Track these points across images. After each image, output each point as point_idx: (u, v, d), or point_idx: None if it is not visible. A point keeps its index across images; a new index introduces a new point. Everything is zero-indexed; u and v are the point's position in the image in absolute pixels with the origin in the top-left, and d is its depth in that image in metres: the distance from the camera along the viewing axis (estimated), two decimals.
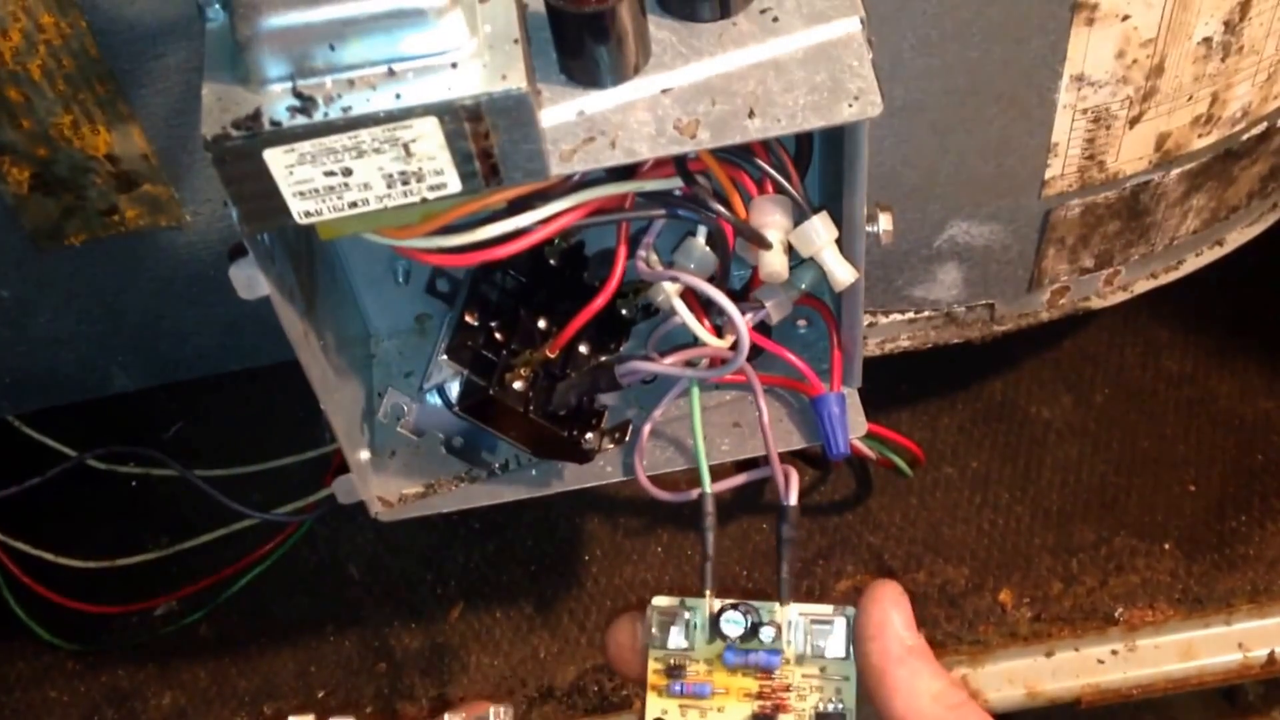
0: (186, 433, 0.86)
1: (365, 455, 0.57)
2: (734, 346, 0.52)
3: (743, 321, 0.51)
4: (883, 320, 0.70)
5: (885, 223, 0.53)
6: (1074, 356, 0.86)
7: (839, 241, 0.51)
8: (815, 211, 0.50)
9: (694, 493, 0.54)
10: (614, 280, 0.52)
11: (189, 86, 0.61)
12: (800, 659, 0.48)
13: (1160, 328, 0.87)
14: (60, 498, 0.77)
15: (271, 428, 0.78)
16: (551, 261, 0.57)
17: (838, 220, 0.51)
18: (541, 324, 0.56)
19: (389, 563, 0.82)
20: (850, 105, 0.44)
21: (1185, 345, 0.86)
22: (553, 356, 0.55)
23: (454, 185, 0.41)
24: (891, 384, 0.82)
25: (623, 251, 0.52)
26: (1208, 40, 0.59)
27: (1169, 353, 0.86)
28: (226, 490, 0.71)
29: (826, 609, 0.48)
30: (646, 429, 0.58)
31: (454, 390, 0.56)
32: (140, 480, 0.81)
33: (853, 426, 0.59)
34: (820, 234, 0.50)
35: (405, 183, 0.41)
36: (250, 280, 0.45)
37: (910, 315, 0.70)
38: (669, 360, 0.55)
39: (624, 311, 0.57)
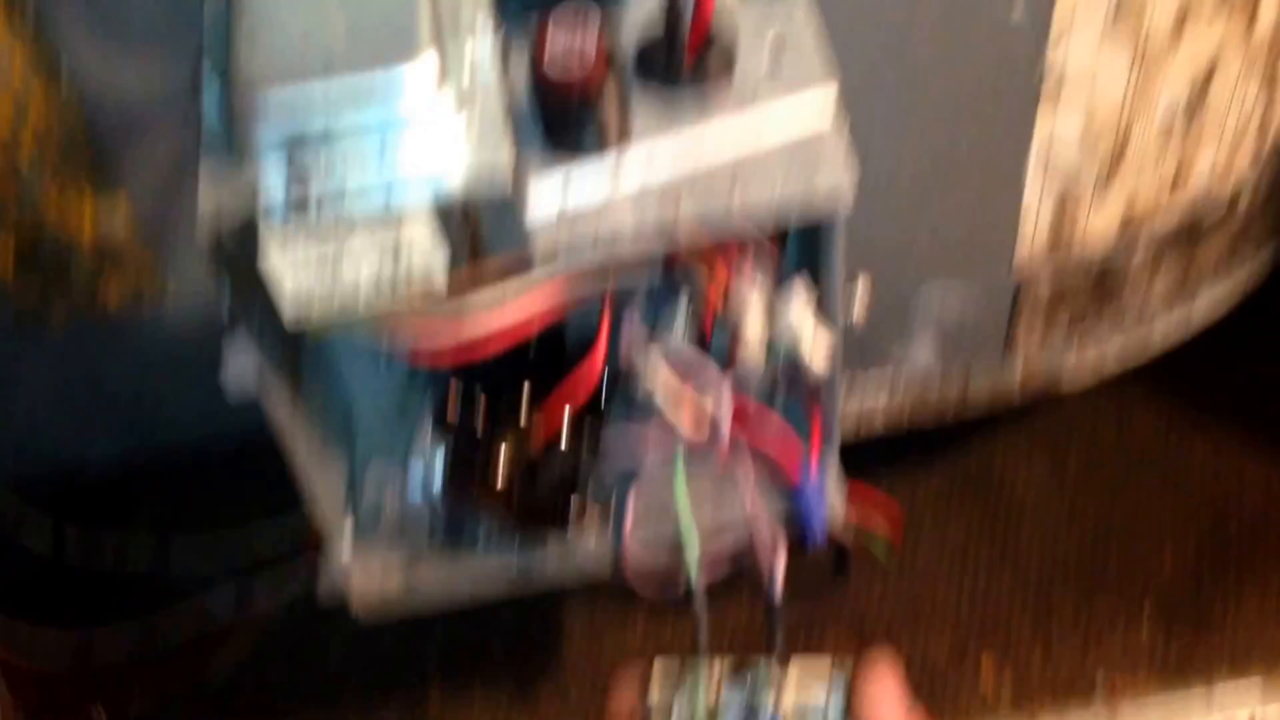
0: (164, 506, 0.86)
1: (347, 548, 0.58)
2: (714, 433, 0.54)
3: (724, 397, 0.53)
4: (860, 376, 0.72)
5: (862, 293, 0.55)
6: (1048, 424, 0.88)
7: (817, 314, 0.53)
8: (793, 286, 0.52)
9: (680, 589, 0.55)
10: (598, 355, 0.53)
11: (174, 168, 0.63)
12: None
13: (1132, 395, 0.89)
14: (36, 570, 0.77)
15: (252, 501, 0.79)
16: (535, 339, 0.58)
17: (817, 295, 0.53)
18: (525, 399, 0.57)
19: (368, 642, 0.82)
20: (826, 179, 0.46)
21: (1157, 413, 0.88)
22: (535, 436, 0.56)
23: (440, 279, 0.43)
24: (868, 455, 0.84)
25: (605, 326, 0.53)
26: (1172, 110, 0.61)
27: (1142, 420, 0.88)
28: (205, 560, 0.71)
29: (823, 664, 0.49)
30: (631, 506, 0.59)
31: (438, 466, 0.57)
32: (117, 554, 0.82)
33: (830, 513, 0.60)
34: (797, 309, 0.52)
35: (395, 264, 0.42)
36: (240, 372, 0.46)
37: (887, 386, 0.72)
38: (651, 434, 0.56)
39: (608, 384, 0.59)
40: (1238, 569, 0.81)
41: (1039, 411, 0.88)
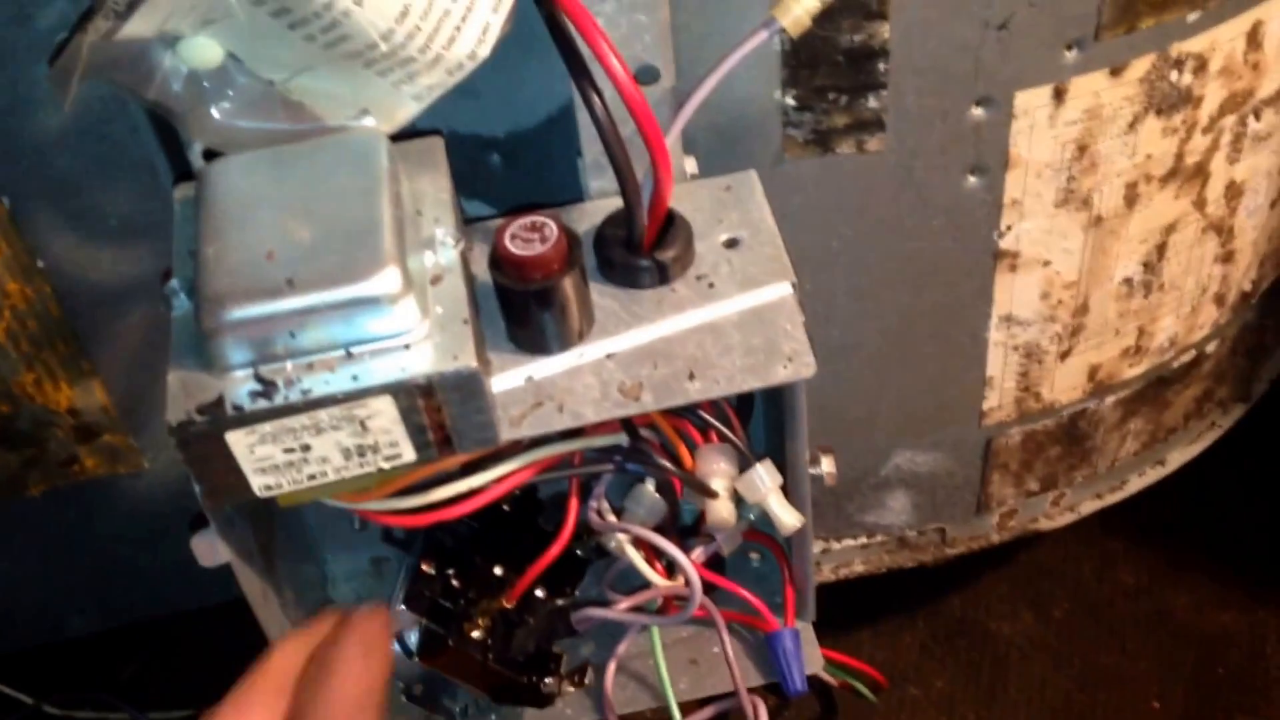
0: (143, 674, 0.86)
1: None
2: (687, 592, 0.55)
3: (694, 572, 0.54)
4: (836, 546, 0.73)
5: (828, 465, 0.56)
6: (1031, 571, 0.88)
7: (784, 486, 0.54)
8: (759, 459, 0.53)
9: None
10: (567, 530, 0.55)
11: (147, 342, 0.64)
12: None
13: (1114, 540, 0.90)
14: None
15: (228, 667, 0.79)
16: (506, 508, 0.59)
17: (782, 465, 0.54)
18: (498, 570, 0.58)
19: None
20: (785, 367, 0.48)
21: (1140, 558, 0.89)
22: (510, 606, 0.57)
23: (409, 455, 0.44)
24: (852, 603, 0.84)
25: (574, 502, 0.54)
26: (1129, 280, 0.63)
27: (1124, 565, 0.88)
28: None
29: None
30: (610, 677, 0.60)
31: (412, 638, 0.58)
32: None
33: (808, 661, 0.61)
34: (764, 482, 0.53)
35: (362, 455, 0.43)
36: (211, 549, 0.47)
37: (863, 541, 0.73)
38: (623, 605, 0.57)
39: (579, 552, 0.60)
40: (1226, 716, 0.81)
41: (1020, 559, 0.89)
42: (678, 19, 0.51)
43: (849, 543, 0.73)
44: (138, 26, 0.43)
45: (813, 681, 0.72)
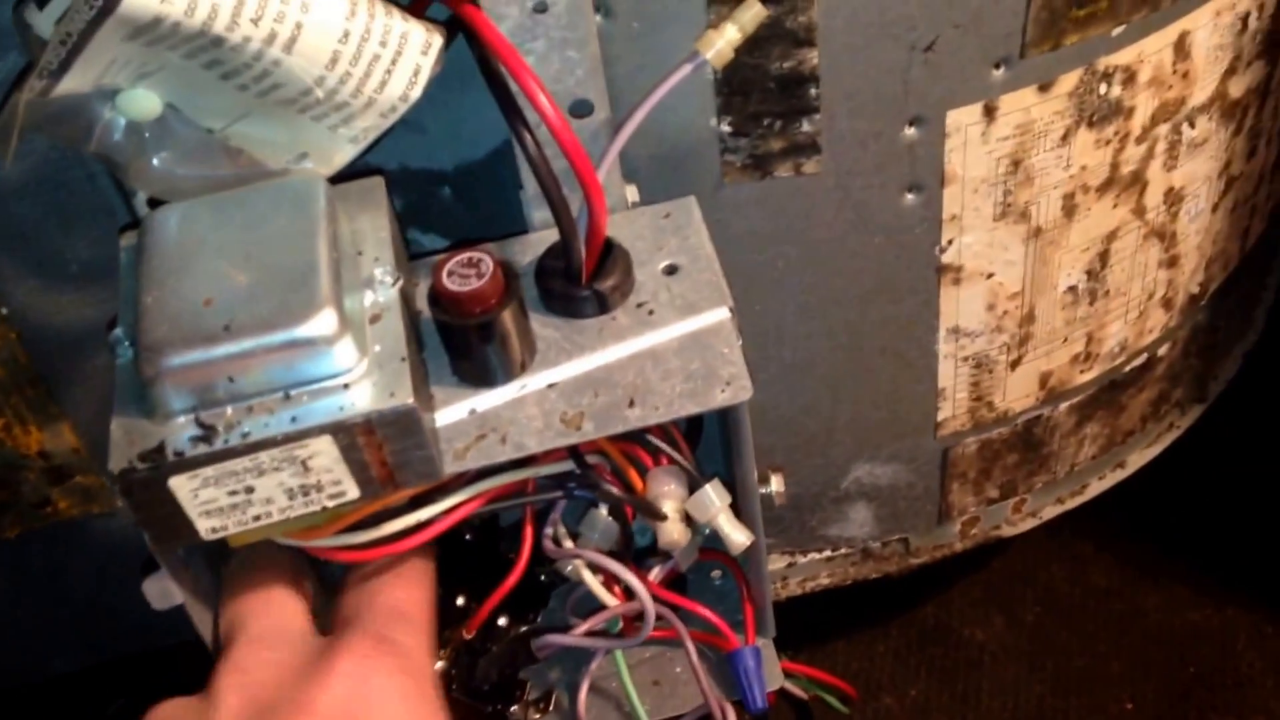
0: (127, 711, 0.87)
1: None
2: (645, 613, 0.56)
3: (646, 592, 0.55)
4: (801, 560, 0.74)
5: (777, 484, 0.57)
6: (1002, 575, 0.90)
7: (735, 506, 0.55)
8: (708, 479, 0.54)
9: None
10: (523, 559, 0.56)
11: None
12: None
13: (1084, 542, 0.91)
14: None
15: None
16: (468, 536, 0.60)
17: (732, 485, 0.55)
18: (460, 600, 0.59)
19: None
20: (722, 391, 0.49)
21: (1111, 559, 0.90)
22: (470, 636, 0.58)
23: (353, 493, 0.45)
24: (825, 615, 0.85)
25: (529, 530, 0.55)
26: (1073, 289, 0.64)
27: (1095, 567, 0.90)
28: None
29: None
30: (582, 702, 0.61)
31: None
32: None
33: (769, 679, 0.62)
34: (713, 502, 0.54)
35: (306, 494, 0.45)
36: (163, 592, 0.48)
37: (828, 554, 0.74)
38: (583, 629, 0.58)
39: (541, 578, 0.61)
40: (1199, 715, 0.82)
41: (992, 564, 0.90)
42: (610, 52, 0.52)
43: (814, 556, 0.74)
44: (74, 82, 0.44)
45: (784, 696, 0.74)
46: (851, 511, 0.72)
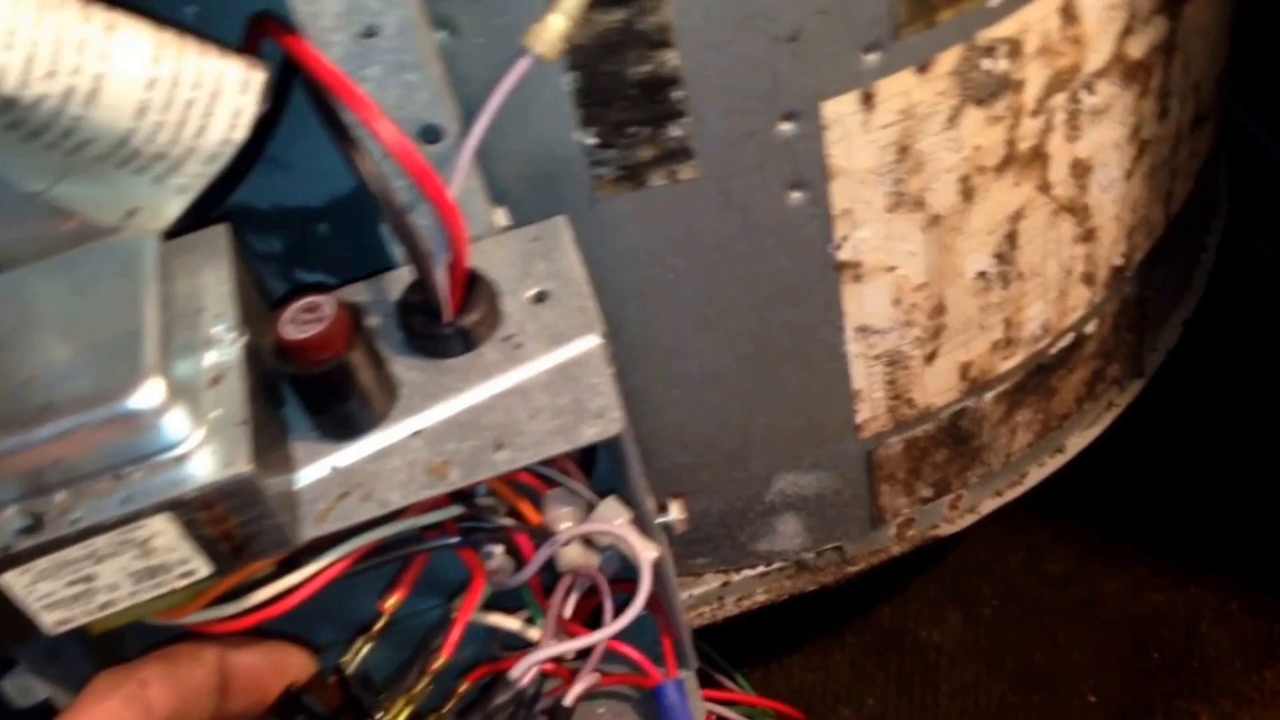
0: None
1: None
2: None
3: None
4: (735, 578, 0.73)
5: (676, 511, 0.56)
6: (958, 569, 0.89)
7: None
8: (604, 496, 0.53)
9: None
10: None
11: None
12: None
13: (1040, 528, 0.90)
14: None
15: None
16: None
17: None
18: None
19: None
20: (593, 426, 0.47)
21: (1067, 544, 0.89)
22: None
23: (204, 570, 0.43)
24: (776, 627, 0.84)
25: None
26: (983, 274, 0.63)
27: (1052, 554, 0.89)
28: None
29: None
30: None
31: None
32: None
33: (695, 712, 0.60)
34: (611, 518, 0.52)
35: (153, 576, 0.43)
36: (24, 690, 0.47)
37: (761, 569, 0.72)
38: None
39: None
40: (1165, 703, 0.81)
41: (947, 559, 0.89)
42: (460, 71, 0.50)
43: (748, 573, 0.72)
44: None
45: None
46: (780, 524, 0.70)
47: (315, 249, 0.59)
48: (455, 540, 0.52)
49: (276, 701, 0.50)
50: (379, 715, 0.54)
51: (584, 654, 0.57)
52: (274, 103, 0.51)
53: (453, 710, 0.57)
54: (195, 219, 0.50)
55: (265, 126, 0.52)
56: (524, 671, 0.55)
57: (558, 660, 0.58)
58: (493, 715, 0.56)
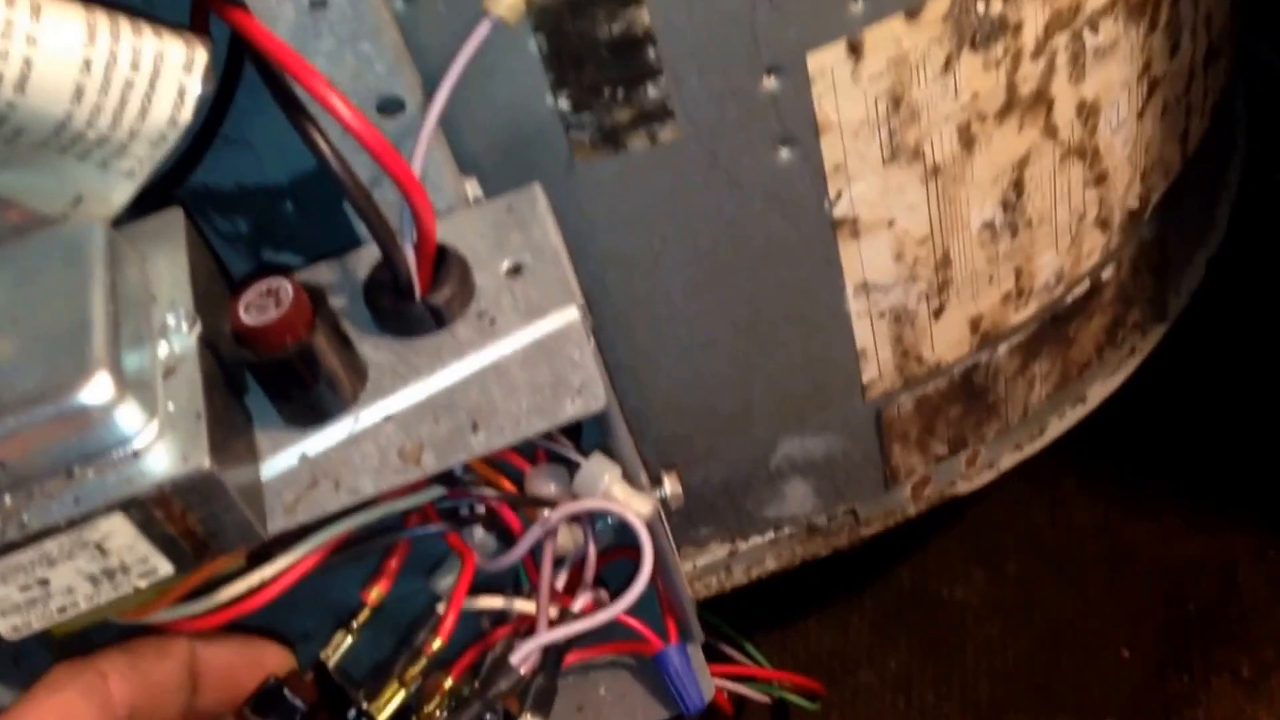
0: None
1: None
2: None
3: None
4: (743, 546, 0.71)
5: (671, 485, 0.54)
6: (980, 525, 0.86)
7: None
8: (588, 455, 0.51)
9: None
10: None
11: None
12: None
13: (1066, 477, 0.87)
14: None
15: None
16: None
17: None
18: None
19: None
20: (573, 402, 0.45)
21: (1094, 494, 0.86)
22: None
23: (165, 569, 0.42)
24: (792, 591, 0.82)
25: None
26: (989, 224, 0.60)
27: (1078, 505, 0.86)
28: None
29: None
30: None
31: None
32: None
33: (702, 677, 0.59)
34: (599, 475, 0.50)
35: (111, 578, 0.41)
36: None
37: (770, 536, 0.70)
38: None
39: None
40: (1202, 656, 0.78)
41: (967, 514, 0.86)
42: (419, 41, 0.48)
43: (756, 540, 0.70)
44: None
45: (745, 703, 0.70)
46: (788, 489, 0.68)
47: (282, 228, 0.57)
48: (440, 527, 0.50)
49: (253, 695, 0.48)
50: (366, 705, 0.53)
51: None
52: (227, 80, 0.49)
53: (445, 703, 0.55)
54: (155, 203, 0.49)
55: (220, 105, 0.50)
56: (524, 658, 0.54)
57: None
58: (494, 704, 0.54)
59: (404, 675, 0.53)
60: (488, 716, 0.53)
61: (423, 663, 0.54)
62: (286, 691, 0.48)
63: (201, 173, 0.51)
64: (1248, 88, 0.81)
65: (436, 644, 0.53)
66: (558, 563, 0.54)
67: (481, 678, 0.54)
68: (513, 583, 0.55)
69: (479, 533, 0.53)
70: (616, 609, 0.52)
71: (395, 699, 0.53)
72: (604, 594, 0.55)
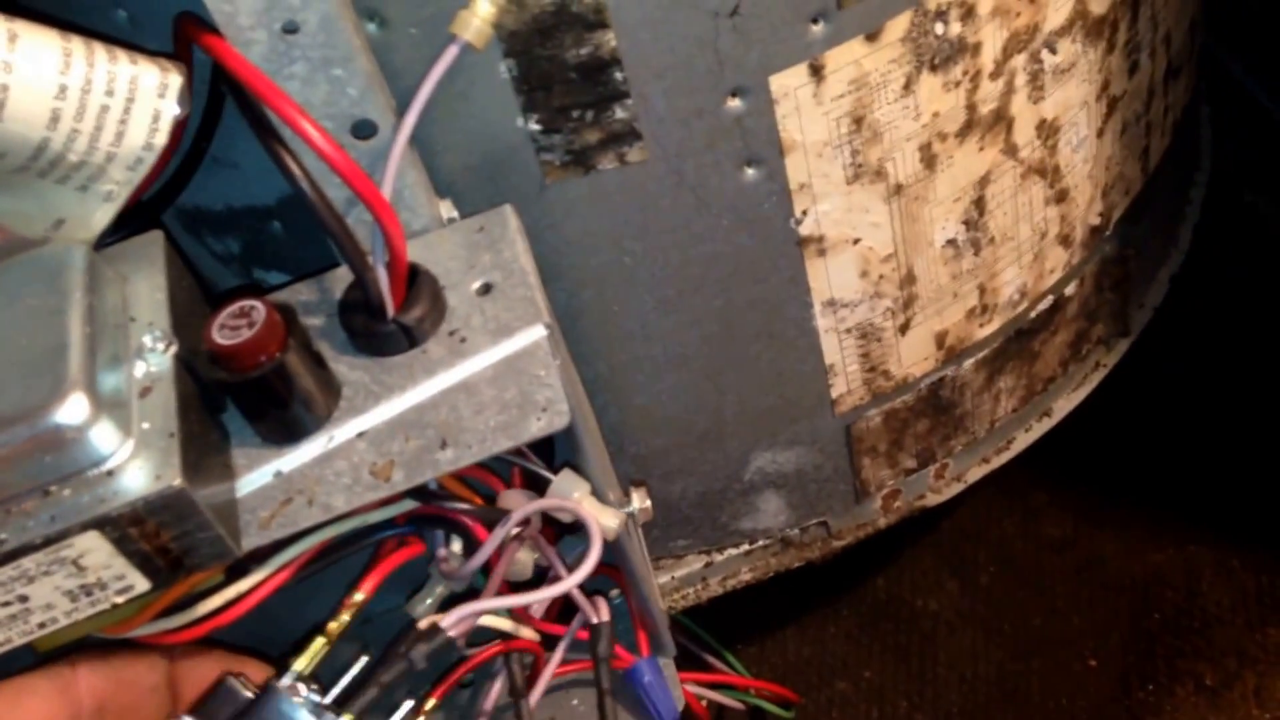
0: None
1: None
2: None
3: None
4: (719, 558, 0.71)
5: (639, 500, 0.54)
6: (953, 536, 0.87)
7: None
8: (557, 471, 0.51)
9: None
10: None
11: None
12: None
13: (1036, 491, 0.88)
14: None
15: None
16: None
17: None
18: None
19: None
20: (539, 419, 0.46)
21: (1064, 506, 0.87)
22: None
23: (141, 585, 0.42)
24: (769, 601, 0.83)
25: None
26: (952, 242, 0.61)
27: (1048, 517, 0.87)
28: None
29: None
30: None
31: None
32: None
33: (674, 688, 0.59)
34: (566, 493, 0.50)
35: (89, 594, 0.42)
36: None
37: (745, 548, 0.71)
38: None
39: None
40: (1167, 665, 0.79)
41: (941, 525, 0.87)
42: (392, 65, 0.49)
43: (731, 552, 0.71)
44: None
45: (720, 710, 0.71)
46: (761, 502, 0.69)
47: (270, 248, 0.58)
48: (405, 529, 0.51)
49: (208, 690, 0.48)
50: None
51: (552, 645, 0.55)
52: (214, 102, 0.50)
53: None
54: (145, 224, 0.50)
55: (207, 127, 0.51)
56: (457, 622, 0.53)
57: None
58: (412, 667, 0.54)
59: (327, 627, 0.52)
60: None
61: (345, 618, 0.53)
62: (231, 680, 0.48)
63: (191, 193, 0.52)
64: (1219, 105, 0.82)
65: (359, 596, 0.53)
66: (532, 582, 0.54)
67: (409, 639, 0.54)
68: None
69: (456, 545, 0.53)
70: (568, 585, 0.52)
71: (320, 653, 0.52)
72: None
